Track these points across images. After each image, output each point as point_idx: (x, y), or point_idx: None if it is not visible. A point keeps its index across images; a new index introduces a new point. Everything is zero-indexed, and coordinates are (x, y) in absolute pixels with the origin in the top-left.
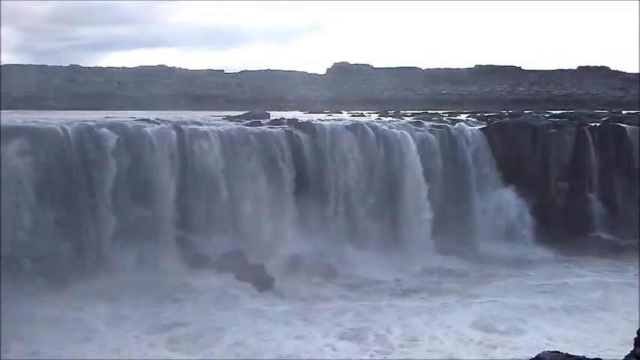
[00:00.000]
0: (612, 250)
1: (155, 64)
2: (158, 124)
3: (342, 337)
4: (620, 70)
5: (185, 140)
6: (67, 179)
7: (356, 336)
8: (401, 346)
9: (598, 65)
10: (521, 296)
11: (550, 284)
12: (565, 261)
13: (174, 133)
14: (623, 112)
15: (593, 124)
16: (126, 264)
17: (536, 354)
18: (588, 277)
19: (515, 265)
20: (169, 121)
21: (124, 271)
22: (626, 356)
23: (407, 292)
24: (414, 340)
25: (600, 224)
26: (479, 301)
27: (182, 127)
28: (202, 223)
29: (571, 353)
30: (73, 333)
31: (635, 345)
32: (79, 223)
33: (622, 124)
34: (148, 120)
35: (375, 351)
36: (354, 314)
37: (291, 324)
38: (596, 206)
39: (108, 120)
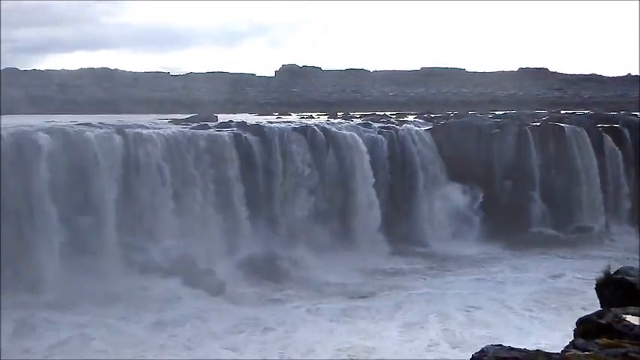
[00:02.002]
0: (555, 244)
1: (97, 66)
2: (101, 129)
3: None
4: (558, 71)
5: (129, 144)
6: (2, 187)
7: None
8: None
9: (538, 67)
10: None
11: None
12: (515, 256)
13: (117, 137)
14: (562, 111)
15: (533, 124)
16: (69, 273)
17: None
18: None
19: (471, 262)
20: (112, 125)
21: (67, 281)
22: (566, 347)
23: (368, 293)
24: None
25: (542, 220)
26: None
27: (126, 131)
28: (149, 228)
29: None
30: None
31: (574, 335)
32: (17, 233)
33: (561, 124)
34: (89, 124)
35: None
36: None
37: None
38: (538, 203)
39: (47, 125)
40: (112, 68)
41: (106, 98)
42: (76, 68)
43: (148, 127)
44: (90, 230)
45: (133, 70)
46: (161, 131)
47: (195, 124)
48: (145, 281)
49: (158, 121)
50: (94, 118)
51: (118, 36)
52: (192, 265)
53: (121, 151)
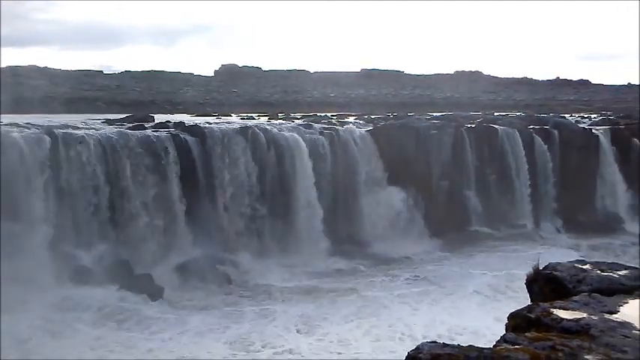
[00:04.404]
0: (491, 242)
1: (25, 63)
2: (28, 129)
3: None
4: (491, 74)
5: (59, 146)
6: None
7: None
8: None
9: (472, 70)
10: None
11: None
12: (454, 255)
13: (47, 138)
14: (495, 113)
15: (469, 126)
16: None
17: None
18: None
19: (411, 261)
20: (41, 126)
21: None
22: (497, 342)
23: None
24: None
25: (477, 219)
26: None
27: (56, 131)
28: (81, 233)
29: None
30: None
31: (505, 329)
32: None
33: (494, 125)
34: (16, 124)
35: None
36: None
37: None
38: (474, 202)
39: None
40: (41, 66)
41: (34, 97)
42: (3, 65)
43: (79, 128)
44: (18, 236)
45: (64, 67)
46: (93, 132)
47: (130, 125)
48: (77, 288)
49: (90, 122)
50: (20, 118)
51: (48, 33)
52: (128, 270)
53: (50, 153)
